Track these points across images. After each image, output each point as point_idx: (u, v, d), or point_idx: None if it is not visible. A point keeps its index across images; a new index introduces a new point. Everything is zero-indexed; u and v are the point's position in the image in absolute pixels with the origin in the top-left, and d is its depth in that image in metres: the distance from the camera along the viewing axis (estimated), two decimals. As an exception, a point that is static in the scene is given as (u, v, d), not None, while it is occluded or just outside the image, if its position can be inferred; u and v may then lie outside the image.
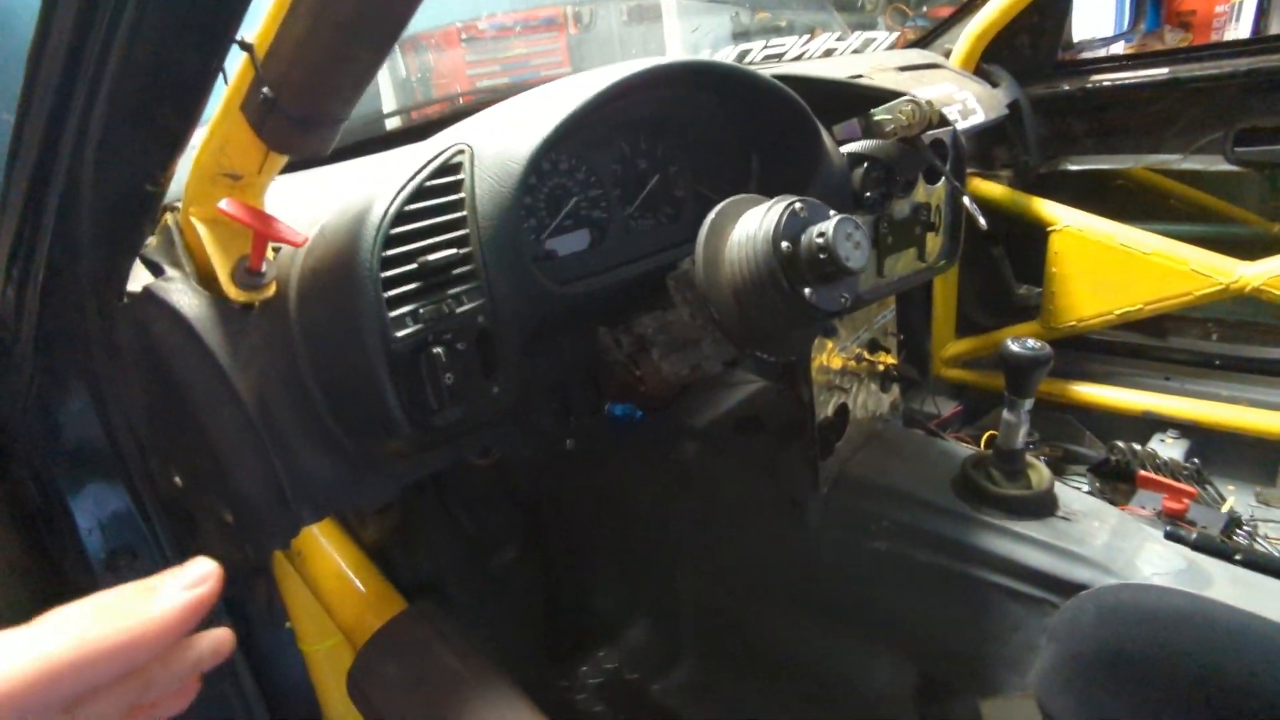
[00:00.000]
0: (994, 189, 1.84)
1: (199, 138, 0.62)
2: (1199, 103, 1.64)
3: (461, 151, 0.69)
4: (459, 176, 0.68)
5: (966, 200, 1.09)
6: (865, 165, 1.03)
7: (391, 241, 0.64)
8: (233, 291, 0.67)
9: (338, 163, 0.93)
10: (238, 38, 0.53)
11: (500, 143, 0.71)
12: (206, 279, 0.68)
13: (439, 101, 1.82)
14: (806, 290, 0.69)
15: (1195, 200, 1.86)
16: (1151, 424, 1.72)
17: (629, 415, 1.18)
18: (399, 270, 0.64)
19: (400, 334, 0.63)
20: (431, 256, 0.65)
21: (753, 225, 0.72)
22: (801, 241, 0.69)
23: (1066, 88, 1.76)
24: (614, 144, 0.91)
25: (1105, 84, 1.72)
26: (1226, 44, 1.57)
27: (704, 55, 1.69)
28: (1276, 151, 1.53)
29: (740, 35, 2.40)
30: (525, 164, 0.69)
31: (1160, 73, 1.65)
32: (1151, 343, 1.84)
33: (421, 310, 0.65)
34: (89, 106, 0.57)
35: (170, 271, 0.69)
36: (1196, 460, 1.62)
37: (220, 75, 0.55)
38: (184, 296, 0.66)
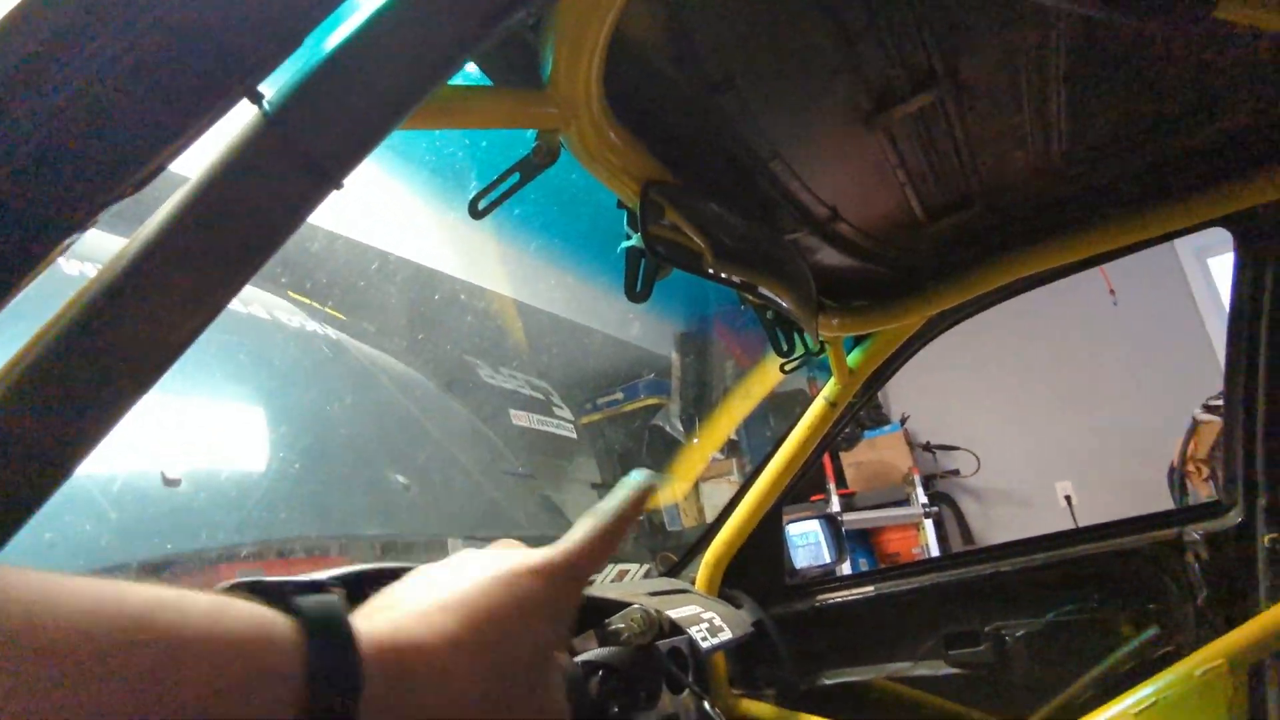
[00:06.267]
0: (764, 709, 1.83)
1: None
2: (911, 614, 1.88)
3: None
4: None
5: (706, 705, 1.07)
6: (600, 673, 1.02)
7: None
8: None
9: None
10: None
11: None
12: None
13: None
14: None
15: (941, 706, 1.96)
16: None
17: None
18: None
19: None
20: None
21: None
22: None
23: (799, 607, 1.97)
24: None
25: (829, 602, 1.95)
26: (921, 562, 1.91)
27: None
28: (978, 652, 1.72)
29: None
30: None
31: (868, 590, 1.92)
32: None
33: None
34: None
35: None
36: None
37: None
38: None
